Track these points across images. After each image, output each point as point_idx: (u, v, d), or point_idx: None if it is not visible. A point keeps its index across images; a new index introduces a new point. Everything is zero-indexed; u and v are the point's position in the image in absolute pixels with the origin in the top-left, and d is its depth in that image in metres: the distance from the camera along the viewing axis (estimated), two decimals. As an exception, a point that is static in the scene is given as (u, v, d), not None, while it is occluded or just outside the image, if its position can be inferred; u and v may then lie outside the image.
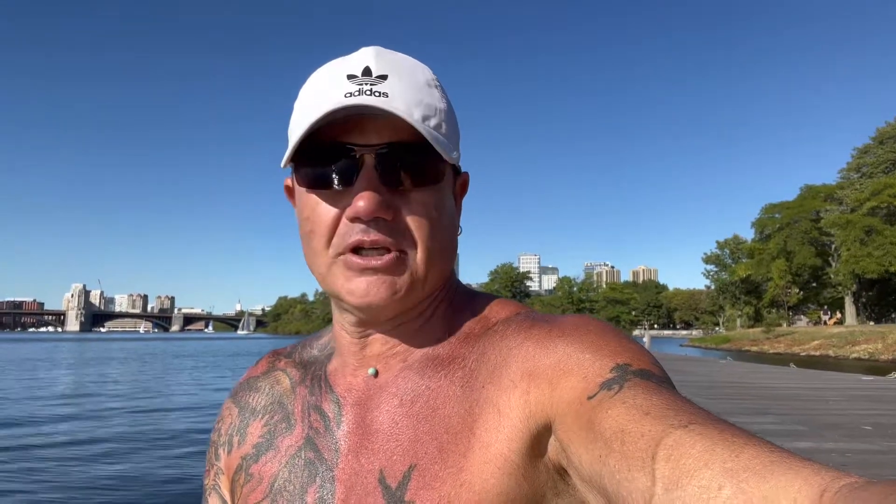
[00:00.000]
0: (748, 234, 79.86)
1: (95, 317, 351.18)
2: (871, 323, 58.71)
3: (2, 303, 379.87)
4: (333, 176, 0.62)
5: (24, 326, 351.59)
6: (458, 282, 0.76)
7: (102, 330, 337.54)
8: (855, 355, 39.73)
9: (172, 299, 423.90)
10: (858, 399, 12.93)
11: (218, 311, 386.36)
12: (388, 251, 0.62)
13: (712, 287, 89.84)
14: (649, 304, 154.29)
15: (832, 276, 64.54)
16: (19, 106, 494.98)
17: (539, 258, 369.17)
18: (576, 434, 0.54)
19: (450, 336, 0.69)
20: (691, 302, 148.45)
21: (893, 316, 64.08)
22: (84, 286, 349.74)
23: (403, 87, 0.62)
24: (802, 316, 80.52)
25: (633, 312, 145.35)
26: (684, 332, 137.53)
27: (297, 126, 0.62)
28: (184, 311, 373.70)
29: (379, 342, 0.69)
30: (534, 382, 0.59)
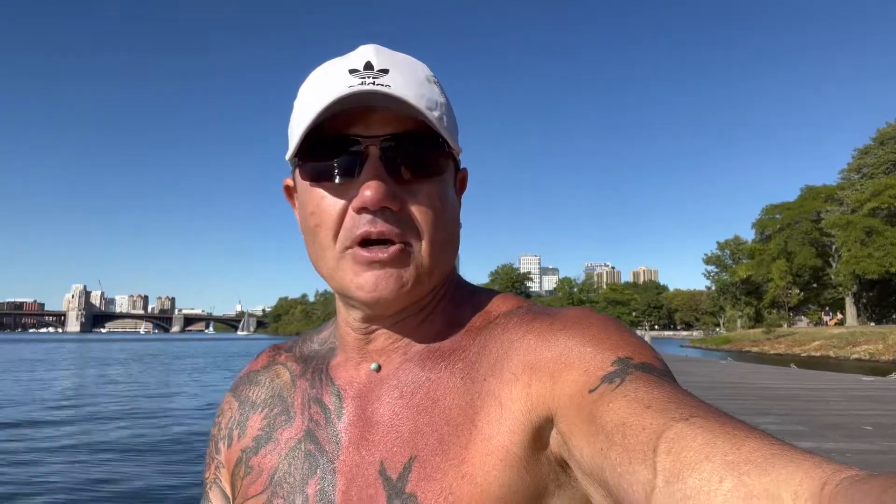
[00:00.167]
0: (749, 235, 79.94)
1: (96, 317, 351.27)
2: (872, 324, 58.67)
3: (2, 303, 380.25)
4: (339, 168, 0.63)
5: (25, 327, 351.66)
6: (460, 277, 0.76)
7: (103, 331, 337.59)
8: (855, 356, 39.71)
9: (173, 300, 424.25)
10: (859, 399, 12.93)
11: (218, 312, 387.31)
12: (394, 243, 0.63)
13: (713, 288, 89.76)
14: (650, 304, 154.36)
15: (833, 276, 64.50)
16: (19, 106, 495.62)
17: (539, 259, 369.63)
18: (577, 427, 0.54)
19: (451, 329, 0.69)
20: (692, 303, 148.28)
21: (894, 317, 64.06)
22: (84, 287, 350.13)
23: (405, 80, 0.63)
24: (803, 317, 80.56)
25: (634, 313, 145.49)
26: (685, 333, 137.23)
27: (302, 119, 0.62)
28: (184, 311, 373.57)
29: (382, 336, 0.70)
30: (535, 375, 0.59)
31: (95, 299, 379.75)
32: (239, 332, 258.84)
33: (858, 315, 63.11)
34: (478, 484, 0.58)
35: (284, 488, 0.67)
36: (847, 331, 49.53)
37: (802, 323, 78.65)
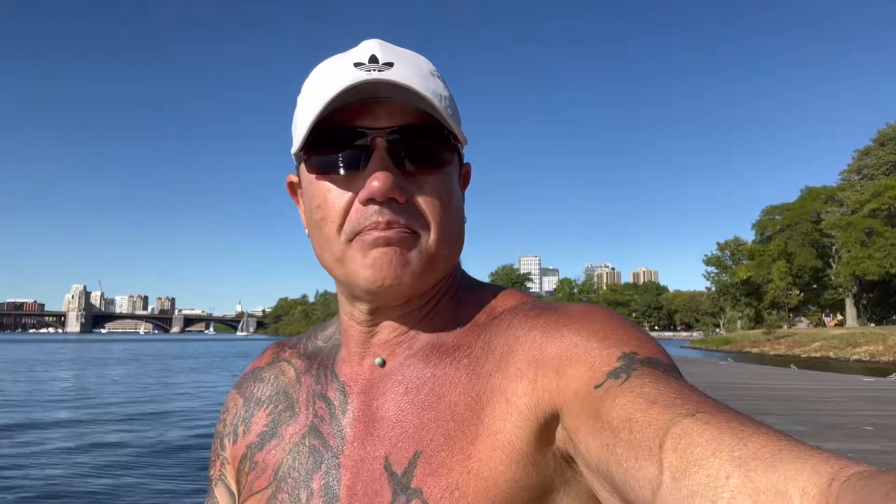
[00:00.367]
0: (749, 236, 79.84)
1: (96, 318, 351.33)
2: (872, 325, 58.58)
3: (2, 304, 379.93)
4: (345, 160, 0.63)
5: (25, 327, 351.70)
6: (464, 272, 0.76)
7: (103, 331, 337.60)
8: (856, 357, 39.68)
9: (173, 300, 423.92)
10: (859, 400, 12.92)
11: (218, 313, 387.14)
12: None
13: (713, 289, 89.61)
14: (650, 305, 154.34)
15: (833, 277, 64.47)
16: (19, 105, 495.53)
17: (539, 259, 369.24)
18: (583, 423, 0.54)
19: (455, 324, 0.69)
20: (692, 303, 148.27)
21: (894, 317, 63.97)
22: (84, 287, 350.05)
23: (410, 73, 0.63)
24: (803, 318, 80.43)
25: (634, 314, 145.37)
26: (685, 334, 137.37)
27: (308, 112, 0.62)
28: (184, 312, 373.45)
29: (386, 330, 0.69)
30: (541, 371, 0.59)
31: (95, 300, 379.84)
32: (238, 333, 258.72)
33: (858, 316, 63.06)
34: (484, 479, 0.58)
35: (289, 483, 0.67)
36: (847, 332, 49.56)
37: (802, 324, 78.55)
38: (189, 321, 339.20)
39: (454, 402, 0.62)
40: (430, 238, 0.64)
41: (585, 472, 0.56)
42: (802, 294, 70.06)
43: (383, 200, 0.61)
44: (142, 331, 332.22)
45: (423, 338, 0.69)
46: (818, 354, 43.69)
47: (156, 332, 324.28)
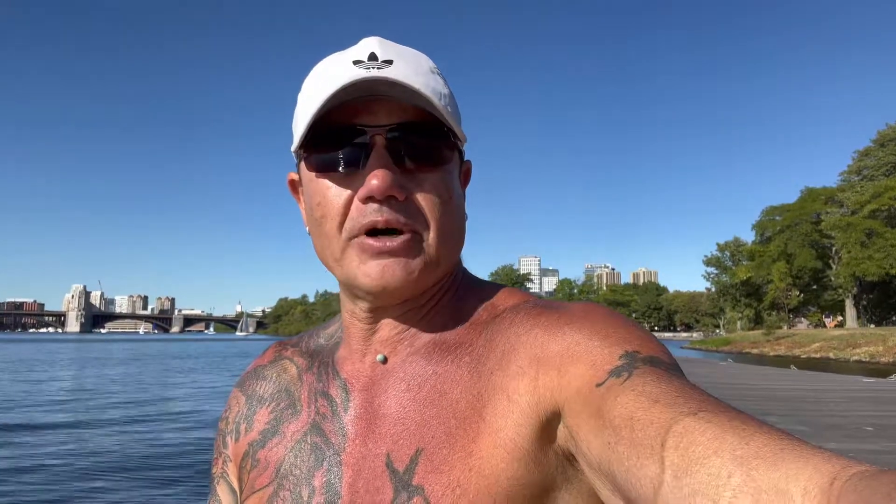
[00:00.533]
0: (748, 237, 79.88)
1: (96, 318, 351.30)
2: (872, 325, 58.62)
3: (2, 303, 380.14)
4: (344, 158, 0.63)
5: (25, 327, 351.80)
6: (466, 270, 0.76)
7: (102, 331, 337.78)
8: (856, 358, 39.66)
9: (173, 300, 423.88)
10: (859, 400, 12.92)
11: (218, 313, 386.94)
12: (402, 233, 0.63)
13: (713, 289, 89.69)
14: (650, 306, 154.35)
15: (833, 278, 64.44)
16: (18, 105, 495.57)
17: (539, 260, 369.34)
18: (584, 421, 0.54)
19: (457, 322, 0.69)
20: (692, 304, 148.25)
21: (894, 318, 63.95)
22: (84, 287, 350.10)
23: (410, 71, 0.63)
24: (803, 318, 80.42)
25: (634, 314, 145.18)
26: (685, 335, 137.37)
27: (308, 109, 0.62)
28: (184, 312, 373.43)
29: (388, 328, 0.69)
30: (542, 369, 0.59)
31: (95, 299, 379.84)
32: (238, 333, 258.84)
33: (858, 317, 63.05)
34: (485, 477, 0.58)
35: (291, 480, 0.67)
36: (847, 332, 49.54)
37: (802, 325, 78.52)
38: (189, 321, 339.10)
39: (456, 400, 0.62)
40: (431, 237, 0.64)
41: (587, 471, 0.56)
42: (802, 295, 70.02)
43: (382, 198, 0.61)
44: (141, 331, 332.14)
45: (425, 335, 0.69)
46: (818, 355, 43.67)
47: (155, 332, 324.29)
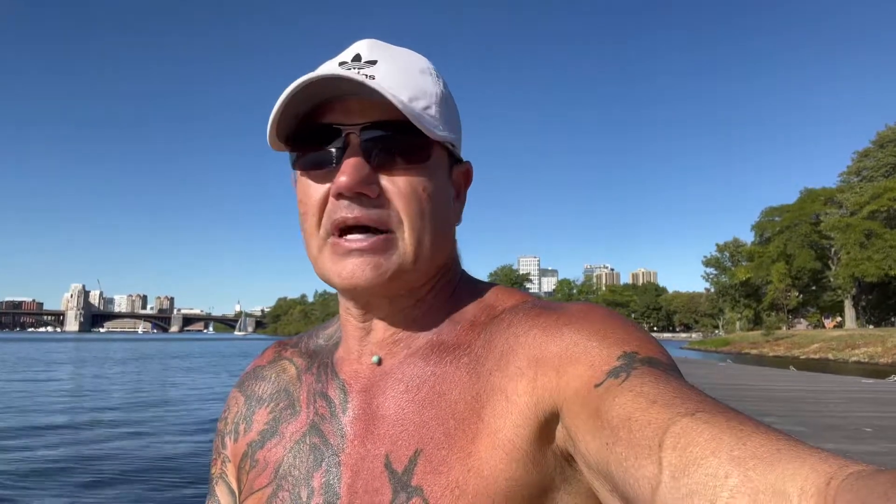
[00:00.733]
0: (748, 237, 79.98)
1: (95, 317, 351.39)
2: (871, 326, 58.72)
3: (1, 303, 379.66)
4: (322, 156, 0.65)
5: (24, 326, 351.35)
6: (464, 271, 0.76)
7: (101, 330, 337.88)
8: (854, 359, 39.73)
9: (172, 300, 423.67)
10: (858, 401, 12.92)
11: (217, 312, 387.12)
12: (375, 233, 0.63)
13: (712, 290, 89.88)
14: (649, 306, 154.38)
15: (832, 279, 64.53)
16: (17, 104, 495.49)
17: (538, 260, 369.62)
18: (583, 422, 0.54)
19: (455, 323, 0.69)
20: (691, 305, 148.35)
21: (893, 319, 63.99)
22: (83, 286, 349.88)
23: (392, 70, 0.64)
24: (802, 319, 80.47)
25: (633, 315, 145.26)
26: (684, 335, 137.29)
27: (275, 106, 0.63)
28: (183, 311, 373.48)
29: (381, 328, 0.70)
30: (541, 370, 0.59)
31: (94, 299, 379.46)
32: (236, 333, 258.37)
33: (857, 318, 63.10)
34: (484, 477, 0.58)
35: (289, 481, 0.67)
36: (846, 333, 49.62)
37: (801, 325, 78.58)
38: (188, 320, 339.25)
39: (454, 401, 0.63)
40: (406, 237, 0.64)
41: (585, 471, 0.57)
42: (801, 295, 70.10)
43: (352, 195, 0.62)
44: (140, 330, 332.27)
45: (423, 336, 0.69)
46: (817, 356, 43.76)
47: (154, 331, 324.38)
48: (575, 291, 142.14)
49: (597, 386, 0.54)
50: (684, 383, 0.53)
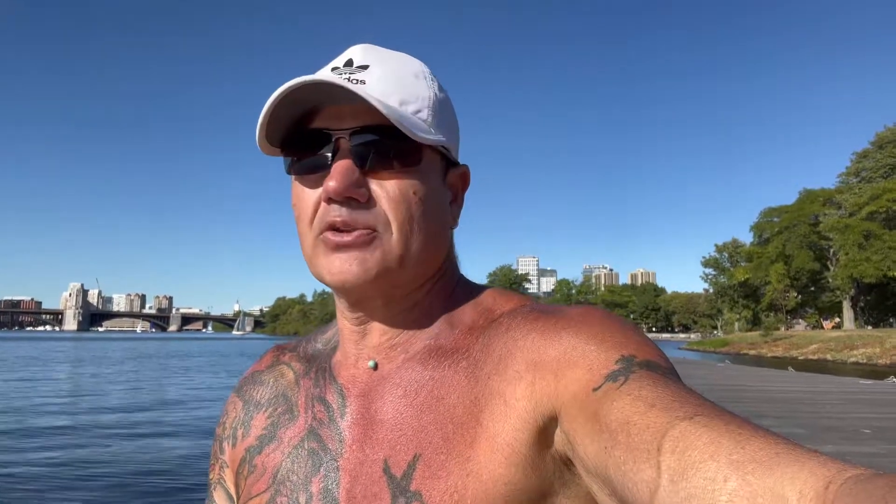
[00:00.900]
0: (747, 238, 79.92)
1: (93, 316, 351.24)
2: (870, 327, 58.86)
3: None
4: (313, 161, 0.65)
5: (22, 325, 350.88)
6: (462, 275, 0.76)
7: (100, 329, 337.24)
8: (853, 359, 39.79)
9: (170, 299, 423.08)
10: (857, 402, 12.94)
11: (216, 312, 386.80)
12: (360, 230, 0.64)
13: (710, 290, 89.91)
14: (647, 306, 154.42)
15: (830, 280, 64.54)
16: (17, 104, 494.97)
17: (538, 260, 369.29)
18: (581, 425, 0.54)
19: (453, 327, 0.69)
20: (689, 305, 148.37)
21: (891, 320, 64.11)
22: (82, 285, 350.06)
23: (383, 74, 0.64)
24: (801, 320, 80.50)
25: (632, 315, 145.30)
26: (682, 336, 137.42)
27: (263, 110, 0.63)
28: (182, 311, 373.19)
29: (377, 332, 0.70)
30: (539, 374, 0.59)
31: (93, 298, 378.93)
32: (234, 332, 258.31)
33: (856, 319, 63.17)
34: (483, 482, 0.58)
35: (288, 486, 0.67)
36: (844, 334, 49.70)
37: (800, 326, 78.58)
38: (187, 320, 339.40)
39: (453, 405, 0.63)
40: (393, 237, 0.64)
41: (584, 475, 0.56)
42: (800, 296, 70.10)
43: (341, 200, 0.63)
44: (139, 329, 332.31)
45: (421, 341, 0.69)
46: (815, 357, 43.80)
47: (153, 330, 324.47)
48: (574, 291, 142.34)
49: (595, 390, 0.54)
50: (683, 387, 0.53)
